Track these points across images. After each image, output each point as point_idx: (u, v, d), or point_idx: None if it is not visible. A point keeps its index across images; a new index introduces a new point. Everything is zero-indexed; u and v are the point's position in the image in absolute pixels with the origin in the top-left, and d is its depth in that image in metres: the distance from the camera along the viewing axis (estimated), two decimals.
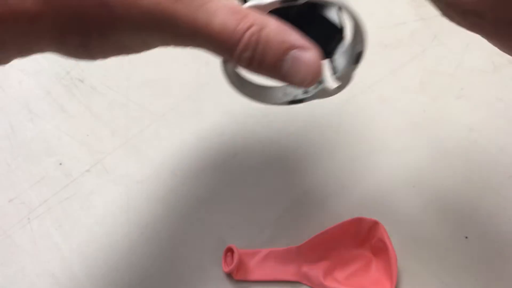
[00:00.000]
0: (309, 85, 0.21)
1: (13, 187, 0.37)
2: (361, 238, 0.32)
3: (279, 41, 0.20)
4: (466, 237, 0.33)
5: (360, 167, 0.37)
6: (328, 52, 0.24)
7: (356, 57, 0.24)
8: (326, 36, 0.23)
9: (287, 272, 0.32)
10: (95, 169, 0.38)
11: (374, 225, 0.32)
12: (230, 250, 0.33)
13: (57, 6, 0.18)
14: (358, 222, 0.32)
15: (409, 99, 0.41)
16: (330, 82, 0.26)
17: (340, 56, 0.25)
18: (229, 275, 0.32)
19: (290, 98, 0.27)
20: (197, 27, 0.19)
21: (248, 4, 0.21)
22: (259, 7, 0.20)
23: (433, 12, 0.48)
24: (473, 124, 0.38)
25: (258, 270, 0.32)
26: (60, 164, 0.38)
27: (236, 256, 0.32)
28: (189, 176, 0.37)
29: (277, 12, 0.21)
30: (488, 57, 0.44)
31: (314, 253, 0.32)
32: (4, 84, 0.43)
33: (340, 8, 0.22)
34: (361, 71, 0.44)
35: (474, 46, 0.45)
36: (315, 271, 0.31)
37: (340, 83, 0.26)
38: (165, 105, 0.42)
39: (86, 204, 0.36)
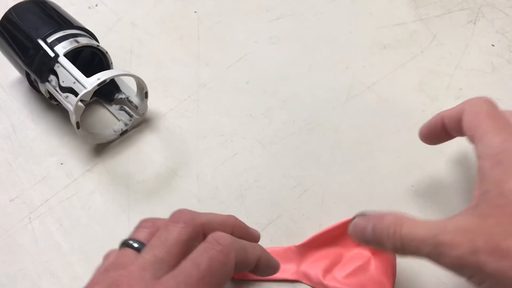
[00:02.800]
0: None
1: (15, 186, 0.37)
2: None
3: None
4: None
5: (360, 167, 0.38)
6: (111, 99, 0.40)
7: (144, 95, 0.38)
8: (111, 91, 0.40)
9: (286, 271, 0.32)
10: (96, 169, 0.38)
11: None
12: None
13: None
14: None
15: (409, 100, 0.41)
16: (136, 113, 0.40)
17: (135, 98, 0.40)
18: None
19: (119, 132, 0.40)
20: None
21: (79, 97, 0.34)
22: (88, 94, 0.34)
23: (432, 13, 0.48)
24: None
25: None
26: (62, 164, 0.38)
27: None
28: (189, 176, 0.37)
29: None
30: (487, 58, 0.44)
31: (313, 253, 0.33)
32: (5, 84, 0.44)
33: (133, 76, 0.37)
34: (360, 72, 0.44)
35: (473, 47, 0.45)
36: (315, 270, 0.32)
37: (142, 112, 0.40)
38: (165, 105, 0.42)
39: (87, 203, 0.36)
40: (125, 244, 0.26)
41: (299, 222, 0.35)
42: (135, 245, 0.25)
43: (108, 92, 0.40)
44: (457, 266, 0.23)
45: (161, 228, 0.26)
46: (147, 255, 0.24)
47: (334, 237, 0.32)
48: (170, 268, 0.24)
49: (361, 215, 0.27)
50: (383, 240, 0.25)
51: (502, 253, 0.21)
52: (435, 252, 0.23)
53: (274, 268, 0.29)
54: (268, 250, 0.33)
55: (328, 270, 0.32)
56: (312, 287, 0.32)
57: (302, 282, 0.32)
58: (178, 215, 0.26)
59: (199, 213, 0.27)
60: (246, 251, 0.26)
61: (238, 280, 0.32)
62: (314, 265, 0.32)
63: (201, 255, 0.24)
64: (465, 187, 0.36)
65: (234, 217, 0.29)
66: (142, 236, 0.26)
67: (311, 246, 0.32)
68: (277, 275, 0.32)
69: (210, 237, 0.25)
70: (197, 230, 0.26)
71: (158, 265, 0.24)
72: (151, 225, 0.27)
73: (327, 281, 0.31)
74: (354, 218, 0.28)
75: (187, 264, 0.24)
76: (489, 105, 0.28)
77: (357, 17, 0.48)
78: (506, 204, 0.22)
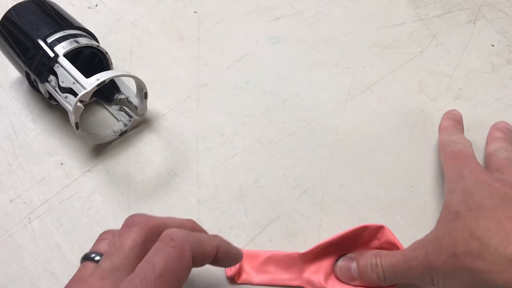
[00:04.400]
0: None
1: (15, 187, 0.37)
2: (365, 240, 0.32)
3: None
4: None
5: (359, 167, 0.38)
6: (110, 100, 0.40)
7: (144, 96, 0.38)
8: (110, 91, 0.40)
9: (289, 277, 0.32)
10: (96, 169, 0.38)
11: (379, 229, 0.32)
12: None
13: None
14: (364, 229, 0.32)
15: (408, 100, 0.42)
16: (136, 114, 0.40)
17: (135, 99, 0.40)
18: (231, 279, 0.32)
19: (119, 132, 0.40)
20: None
21: (77, 97, 0.33)
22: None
23: (432, 13, 0.48)
24: (471, 124, 0.39)
25: (260, 274, 0.32)
26: (62, 164, 0.38)
27: None
28: (189, 176, 0.37)
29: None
30: (486, 58, 0.44)
31: (317, 260, 0.32)
32: (5, 84, 0.44)
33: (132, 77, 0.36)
34: (360, 72, 0.44)
35: (472, 47, 0.45)
36: (317, 275, 0.31)
37: (142, 112, 0.40)
38: (165, 105, 0.42)
39: (87, 204, 0.36)
40: (85, 258, 0.26)
41: (299, 222, 0.35)
42: (95, 257, 0.25)
43: (107, 93, 0.40)
44: (419, 273, 0.27)
45: (115, 236, 0.26)
46: (105, 264, 0.24)
47: (339, 245, 0.32)
48: (129, 273, 0.24)
49: (342, 257, 0.32)
50: (368, 272, 0.30)
51: (442, 249, 0.26)
52: (406, 267, 0.28)
53: (236, 257, 0.29)
54: (270, 254, 0.32)
55: (330, 274, 0.32)
56: None
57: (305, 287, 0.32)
58: (131, 220, 0.26)
59: (153, 216, 0.27)
60: (202, 243, 0.26)
61: (240, 284, 0.32)
62: (316, 271, 0.32)
63: (155, 254, 0.24)
64: None
65: (193, 220, 0.29)
66: (102, 247, 0.26)
67: (315, 254, 0.32)
68: (279, 281, 0.32)
69: (163, 234, 0.25)
70: (152, 232, 0.25)
71: (116, 272, 0.24)
72: (110, 236, 0.27)
73: (329, 285, 0.31)
74: (337, 260, 0.32)
75: (143, 266, 0.23)
76: (454, 145, 0.33)
77: (357, 17, 0.48)
78: (448, 217, 0.28)
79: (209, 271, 0.33)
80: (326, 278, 0.31)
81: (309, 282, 0.31)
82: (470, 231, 0.25)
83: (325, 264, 0.32)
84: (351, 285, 0.31)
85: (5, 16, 0.38)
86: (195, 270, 0.33)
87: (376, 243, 0.32)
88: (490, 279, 0.24)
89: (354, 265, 0.31)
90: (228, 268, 0.32)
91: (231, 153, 0.39)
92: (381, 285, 0.30)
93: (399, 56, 0.45)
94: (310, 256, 0.32)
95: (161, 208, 0.36)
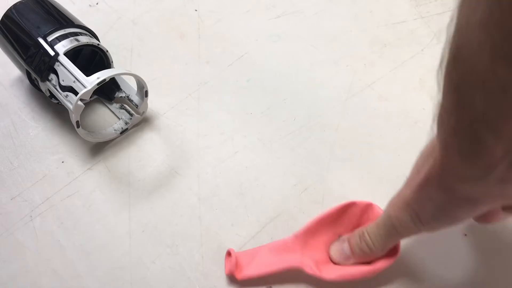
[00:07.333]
0: None
1: (16, 185, 0.37)
2: (356, 220, 0.33)
3: None
4: (465, 235, 0.34)
5: (360, 165, 0.38)
6: (111, 98, 0.41)
7: (145, 94, 0.38)
8: (111, 90, 0.41)
9: (287, 260, 0.32)
10: (97, 167, 0.38)
11: (368, 207, 0.32)
12: (229, 254, 0.33)
13: None
14: (352, 205, 0.32)
15: (409, 98, 0.41)
16: (136, 112, 0.40)
17: (135, 97, 0.40)
18: (231, 276, 0.32)
19: (119, 131, 0.40)
20: None
21: (78, 96, 0.33)
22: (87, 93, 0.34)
23: (433, 11, 0.48)
24: None
25: (259, 266, 0.32)
26: (63, 162, 0.38)
27: (233, 257, 0.32)
28: (190, 174, 0.38)
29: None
30: None
31: (311, 240, 0.32)
32: (6, 82, 0.44)
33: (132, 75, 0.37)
34: (361, 70, 0.44)
35: None
36: (313, 258, 0.31)
37: (142, 111, 0.40)
38: (165, 103, 0.42)
39: (88, 202, 0.36)
40: None
41: (299, 220, 0.35)
42: None
43: (108, 91, 0.40)
44: (399, 215, 0.28)
45: None
46: None
47: (330, 222, 0.32)
48: None
49: (335, 241, 0.32)
50: (357, 244, 0.30)
51: (409, 180, 0.28)
52: (386, 217, 0.29)
53: None
54: (267, 246, 0.32)
55: (326, 258, 0.32)
56: (313, 275, 0.31)
57: (301, 270, 0.31)
58: None
59: None
60: None
61: (241, 280, 0.32)
62: (312, 253, 0.32)
63: None
64: None
65: None
66: None
67: (308, 234, 0.32)
68: (277, 266, 0.31)
69: None
70: None
71: None
72: None
73: (325, 267, 0.31)
74: (331, 245, 0.32)
75: None
76: None
77: (358, 16, 0.48)
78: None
79: (209, 269, 0.33)
80: (324, 260, 0.32)
81: (306, 264, 0.31)
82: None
83: (321, 244, 0.32)
84: (346, 264, 0.31)
85: (5, 15, 0.38)
86: (194, 269, 0.33)
87: (367, 222, 0.32)
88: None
89: (345, 244, 0.31)
90: (227, 266, 0.32)
91: (231, 151, 0.39)
92: (374, 255, 0.30)
93: (399, 54, 0.45)
94: (304, 236, 0.32)
95: (162, 206, 0.36)
